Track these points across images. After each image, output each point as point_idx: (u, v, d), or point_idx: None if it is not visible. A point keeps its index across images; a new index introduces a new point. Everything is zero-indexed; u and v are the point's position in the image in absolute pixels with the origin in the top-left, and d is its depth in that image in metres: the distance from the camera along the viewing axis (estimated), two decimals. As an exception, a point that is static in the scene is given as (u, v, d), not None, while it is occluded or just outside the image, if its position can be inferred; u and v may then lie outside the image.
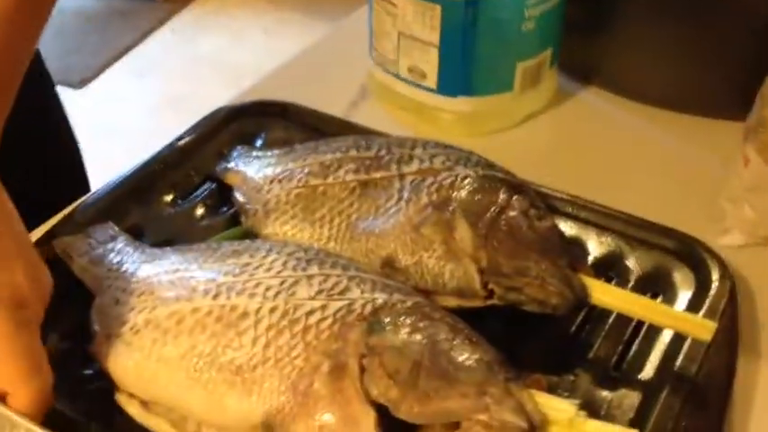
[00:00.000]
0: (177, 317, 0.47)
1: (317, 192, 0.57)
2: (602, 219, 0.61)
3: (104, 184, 0.65)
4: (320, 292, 0.46)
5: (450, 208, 0.54)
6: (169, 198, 0.64)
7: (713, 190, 0.67)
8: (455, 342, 0.43)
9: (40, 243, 0.58)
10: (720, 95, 0.76)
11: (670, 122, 0.78)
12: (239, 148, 0.65)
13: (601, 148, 0.75)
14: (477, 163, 0.58)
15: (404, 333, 0.43)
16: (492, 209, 0.54)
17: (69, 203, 0.65)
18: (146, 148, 0.68)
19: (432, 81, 0.73)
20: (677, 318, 0.51)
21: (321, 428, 0.42)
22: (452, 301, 0.53)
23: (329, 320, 0.44)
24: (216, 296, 0.47)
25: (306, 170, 0.59)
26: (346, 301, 0.45)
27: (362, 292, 0.46)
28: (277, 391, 0.43)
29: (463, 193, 0.55)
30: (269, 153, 0.63)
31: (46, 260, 0.48)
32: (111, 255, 0.54)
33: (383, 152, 0.58)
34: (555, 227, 0.54)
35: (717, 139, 0.75)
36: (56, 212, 0.64)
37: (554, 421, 0.42)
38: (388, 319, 0.44)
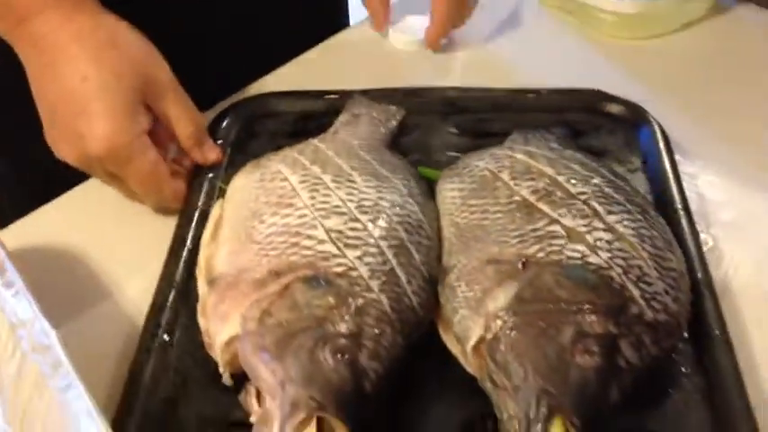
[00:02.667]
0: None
1: (492, 184, 0.56)
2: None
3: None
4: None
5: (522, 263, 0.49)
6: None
7: None
8: None
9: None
10: None
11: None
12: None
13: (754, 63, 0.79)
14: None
15: None
16: (563, 303, 0.46)
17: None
18: None
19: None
20: None
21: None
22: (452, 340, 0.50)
23: None
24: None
25: (508, 163, 0.58)
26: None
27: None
28: None
29: (557, 271, 0.48)
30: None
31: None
32: None
33: (577, 186, 0.54)
34: (588, 369, 0.44)
35: None
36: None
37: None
38: None
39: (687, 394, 0.49)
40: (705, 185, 0.66)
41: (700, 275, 0.54)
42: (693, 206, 0.61)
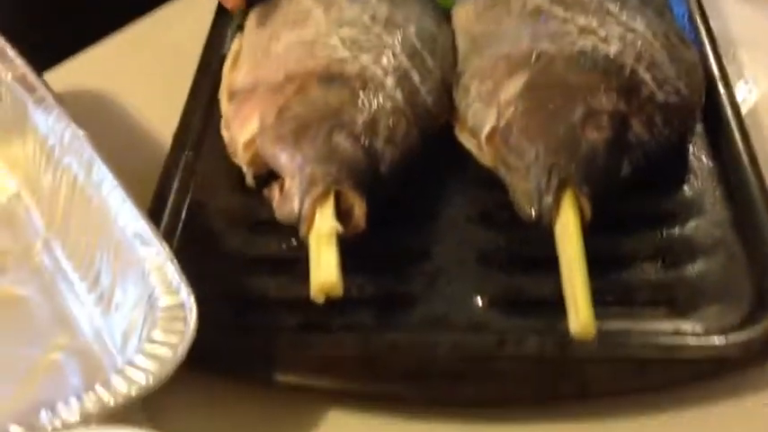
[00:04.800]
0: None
1: None
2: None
3: None
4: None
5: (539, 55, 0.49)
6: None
7: None
8: None
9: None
10: None
11: None
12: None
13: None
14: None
15: None
16: (574, 86, 0.47)
17: None
18: None
19: None
20: (579, 297, 0.40)
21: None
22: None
23: None
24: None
25: None
26: None
27: None
28: None
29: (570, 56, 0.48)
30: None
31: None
32: None
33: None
34: (598, 143, 0.45)
35: None
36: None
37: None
38: None
39: (701, 178, 0.49)
40: (726, 10, 0.65)
41: (716, 72, 0.54)
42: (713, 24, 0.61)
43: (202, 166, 0.53)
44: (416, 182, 0.49)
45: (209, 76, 0.58)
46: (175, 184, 0.51)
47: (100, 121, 0.59)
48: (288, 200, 0.44)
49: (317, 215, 0.43)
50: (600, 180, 0.44)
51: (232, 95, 0.53)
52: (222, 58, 0.58)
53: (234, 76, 0.55)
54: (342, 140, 0.45)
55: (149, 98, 0.61)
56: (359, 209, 0.43)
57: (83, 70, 0.65)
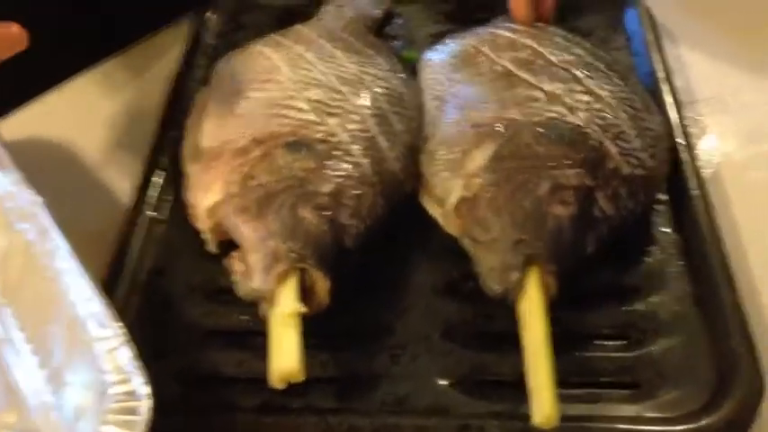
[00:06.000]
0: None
1: (474, 58, 0.56)
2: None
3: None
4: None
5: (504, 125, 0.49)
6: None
7: None
8: None
9: None
10: None
11: None
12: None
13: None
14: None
15: None
16: (540, 159, 0.46)
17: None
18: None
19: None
20: (543, 386, 0.39)
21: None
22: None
23: None
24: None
25: (490, 38, 0.58)
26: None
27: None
28: None
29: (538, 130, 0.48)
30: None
31: None
32: None
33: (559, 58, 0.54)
34: (564, 218, 0.44)
35: None
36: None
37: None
38: None
39: (664, 250, 0.50)
40: (689, 64, 0.65)
41: (680, 140, 0.54)
42: (678, 82, 0.61)
43: (163, 229, 0.52)
44: (381, 249, 0.49)
45: (174, 128, 0.57)
46: (134, 249, 0.50)
47: (55, 172, 0.58)
48: (250, 276, 0.43)
49: (280, 294, 0.42)
50: (566, 257, 0.44)
51: (196, 156, 0.51)
52: (187, 110, 0.57)
53: (198, 132, 0.54)
54: (307, 214, 0.44)
55: (109, 149, 0.60)
56: (323, 286, 0.43)
57: (39, 118, 0.63)
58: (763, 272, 0.50)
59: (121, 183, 0.56)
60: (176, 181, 0.53)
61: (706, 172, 0.54)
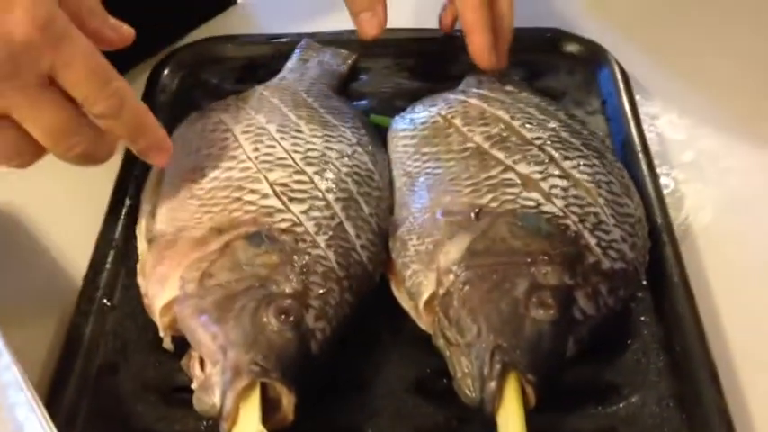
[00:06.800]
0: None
1: (444, 131, 0.54)
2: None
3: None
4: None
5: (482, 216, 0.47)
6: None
7: None
8: None
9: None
10: None
11: None
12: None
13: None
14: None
15: None
16: (517, 255, 0.44)
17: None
18: None
19: None
20: None
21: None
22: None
23: None
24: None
25: (461, 108, 0.55)
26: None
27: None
28: None
29: (513, 220, 0.46)
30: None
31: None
32: None
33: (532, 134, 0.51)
34: (543, 323, 0.42)
35: None
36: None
37: None
38: None
39: (645, 343, 0.47)
40: (665, 126, 0.64)
41: (659, 220, 0.52)
42: (654, 147, 0.59)
43: (115, 319, 0.48)
44: (349, 344, 0.46)
45: (129, 198, 0.54)
46: (84, 343, 0.46)
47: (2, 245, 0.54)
48: (208, 391, 0.40)
49: (241, 413, 0.39)
50: (545, 364, 0.42)
51: (151, 240, 0.48)
52: (142, 180, 0.54)
53: (153, 207, 0.51)
54: (270, 319, 0.41)
55: (60, 222, 0.56)
56: (287, 400, 0.40)
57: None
58: (744, 361, 0.48)
59: (76, 256, 0.52)
60: (130, 263, 0.50)
61: (685, 249, 0.53)
